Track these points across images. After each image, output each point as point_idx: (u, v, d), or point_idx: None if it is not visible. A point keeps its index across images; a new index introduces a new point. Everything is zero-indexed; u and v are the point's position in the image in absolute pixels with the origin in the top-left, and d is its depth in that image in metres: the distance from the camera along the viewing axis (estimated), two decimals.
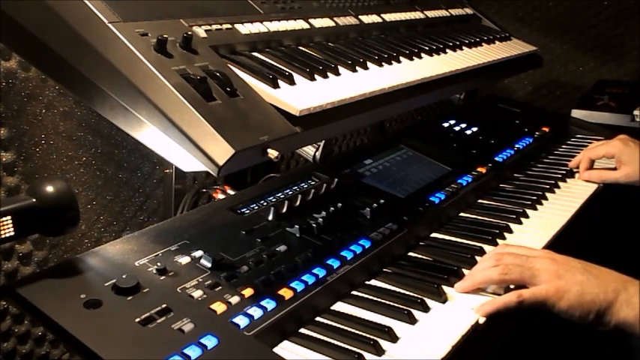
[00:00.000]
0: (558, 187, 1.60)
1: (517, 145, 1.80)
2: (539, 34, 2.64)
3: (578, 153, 1.82)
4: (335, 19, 1.49)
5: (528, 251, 1.14)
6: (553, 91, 2.71)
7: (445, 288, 1.09)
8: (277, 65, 1.19)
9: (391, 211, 1.28)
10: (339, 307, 1.04)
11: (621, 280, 1.07)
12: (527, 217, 1.41)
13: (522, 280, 1.07)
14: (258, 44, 1.25)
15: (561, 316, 1.05)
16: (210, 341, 0.84)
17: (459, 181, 1.50)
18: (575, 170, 1.70)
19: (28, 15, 1.02)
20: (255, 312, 0.92)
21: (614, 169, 1.62)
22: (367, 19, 1.60)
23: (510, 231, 1.34)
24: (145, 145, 1.02)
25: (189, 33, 1.06)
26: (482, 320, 1.02)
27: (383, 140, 1.83)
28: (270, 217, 1.17)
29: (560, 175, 1.67)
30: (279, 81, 1.13)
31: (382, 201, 1.30)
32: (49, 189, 0.91)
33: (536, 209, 1.46)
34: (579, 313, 1.04)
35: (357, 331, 0.95)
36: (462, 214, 1.43)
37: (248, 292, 0.96)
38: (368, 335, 0.94)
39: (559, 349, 1.64)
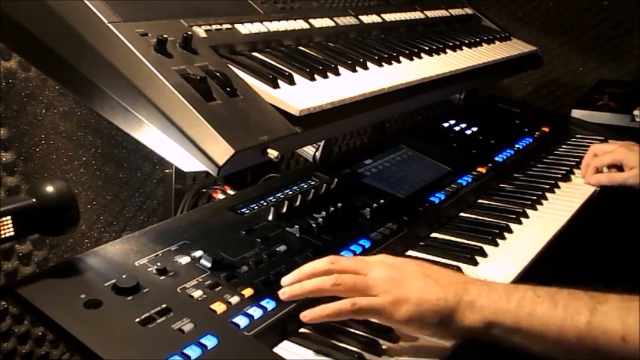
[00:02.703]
0: (558, 187, 1.60)
1: (517, 145, 1.80)
2: (539, 34, 2.64)
3: (578, 153, 1.82)
4: (335, 19, 1.49)
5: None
6: (553, 91, 2.71)
7: None
8: (277, 65, 1.19)
9: (391, 211, 1.28)
10: None
11: (462, 282, 0.94)
12: (527, 217, 1.41)
13: (357, 292, 0.92)
14: (258, 44, 1.25)
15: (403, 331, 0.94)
16: (210, 341, 0.84)
17: (459, 181, 1.50)
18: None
19: (28, 15, 1.02)
20: (255, 312, 0.92)
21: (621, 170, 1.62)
22: (367, 19, 1.60)
23: (510, 231, 1.34)
24: (145, 145, 1.02)
25: (189, 33, 1.06)
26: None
27: (383, 140, 1.84)
28: (270, 217, 1.17)
29: (560, 175, 1.67)
30: (279, 81, 1.13)
31: (382, 201, 1.30)
32: (49, 189, 0.91)
33: (536, 209, 1.46)
34: (419, 324, 0.91)
35: (357, 331, 0.95)
36: (462, 214, 1.43)
37: (248, 292, 0.96)
38: (368, 335, 0.94)
39: None
